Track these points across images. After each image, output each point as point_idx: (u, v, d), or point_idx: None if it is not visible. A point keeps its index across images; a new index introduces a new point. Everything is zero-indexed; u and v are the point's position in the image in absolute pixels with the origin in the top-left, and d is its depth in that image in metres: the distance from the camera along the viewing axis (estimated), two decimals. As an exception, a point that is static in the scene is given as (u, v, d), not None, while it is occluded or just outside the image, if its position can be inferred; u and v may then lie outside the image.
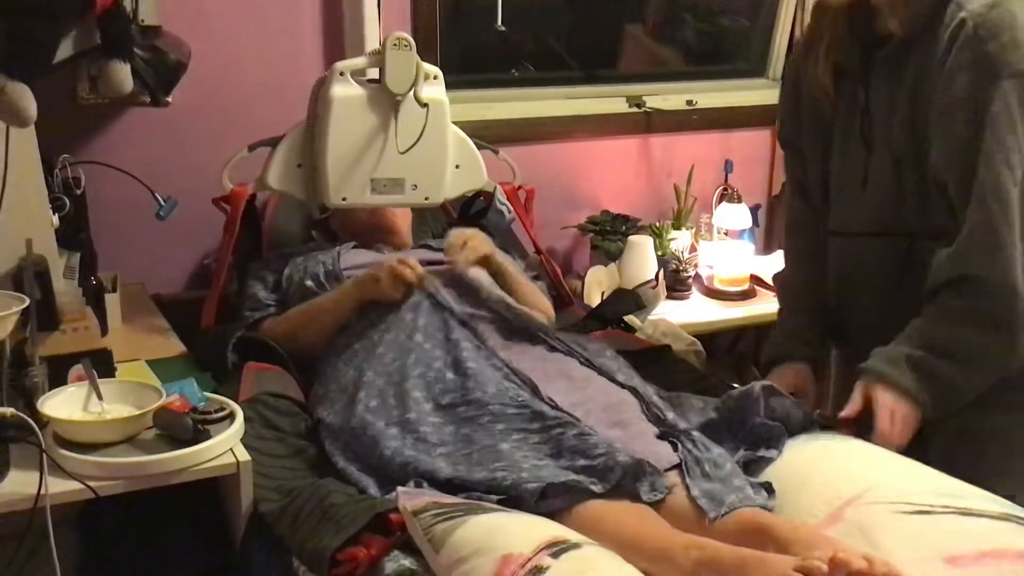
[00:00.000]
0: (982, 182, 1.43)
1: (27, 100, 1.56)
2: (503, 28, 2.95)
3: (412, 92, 2.06)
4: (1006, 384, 1.53)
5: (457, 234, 2.04)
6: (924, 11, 1.50)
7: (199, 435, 1.50)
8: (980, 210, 1.44)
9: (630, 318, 2.24)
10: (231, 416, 1.59)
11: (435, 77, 2.11)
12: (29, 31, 1.59)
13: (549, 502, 1.43)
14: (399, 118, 2.09)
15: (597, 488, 1.43)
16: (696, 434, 1.58)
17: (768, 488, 1.47)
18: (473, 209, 2.42)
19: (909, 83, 1.53)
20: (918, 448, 1.56)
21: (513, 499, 1.43)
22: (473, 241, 2.01)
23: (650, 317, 2.37)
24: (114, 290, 2.06)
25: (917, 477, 1.44)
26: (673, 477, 1.49)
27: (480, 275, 1.99)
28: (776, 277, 1.89)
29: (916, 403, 1.51)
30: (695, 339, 2.18)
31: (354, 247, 2.13)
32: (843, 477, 1.45)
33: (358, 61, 2.08)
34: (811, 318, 1.79)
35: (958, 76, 1.45)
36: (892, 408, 1.52)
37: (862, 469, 1.46)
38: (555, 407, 1.64)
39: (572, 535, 1.30)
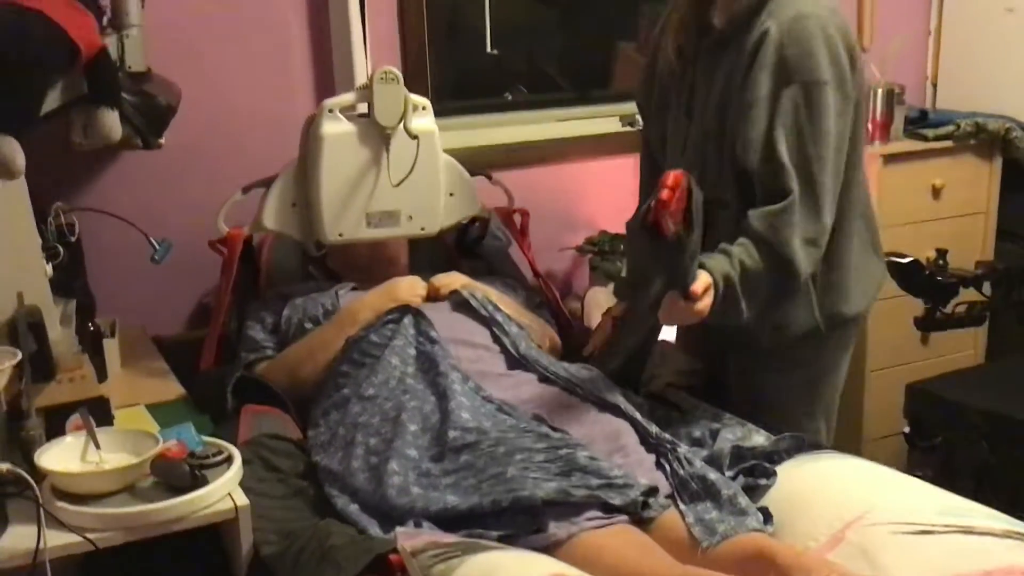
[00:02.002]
0: (778, 170, 1.66)
1: (15, 153, 1.56)
2: (495, 52, 2.96)
3: (402, 124, 2.07)
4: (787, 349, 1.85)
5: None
6: (742, 13, 1.72)
7: (197, 481, 1.50)
8: (784, 190, 1.66)
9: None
10: (229, 460, 1.58)
11: (424, 108, 2.12)
12: (15, 84, 1.59)
13: (557, 524, 1.42)
14: (390, 151, 2.09)
15: (616, 501, 1.45)
16: (681, 449, 1.59)
17: (766, 513, 1.46)
18: (469, 236, 2.42)
19: (723, 72, 1.76)
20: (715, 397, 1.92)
21: (521, 513, 1.42)
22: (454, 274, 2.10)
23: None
24: (112, 335, 2.07)
25: (917, 495, 1.43)
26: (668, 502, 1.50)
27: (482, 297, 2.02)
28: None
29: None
30: (695, 358, 2.16)
31: (352, 288, 2.13)
32: (843, 499, 1.44)
33: (346, 97, 2.09)
34: None
35: (760, 75, 1.67)
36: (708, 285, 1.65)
37: (861, 490, 1.45)
38: (557, 430, 1.65)
39: (571, 571, 1.29)
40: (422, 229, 2.18)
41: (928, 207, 2.91)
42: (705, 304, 1.60)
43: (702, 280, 1.59)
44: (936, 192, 2.91)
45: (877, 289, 1.94)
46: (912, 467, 2.47)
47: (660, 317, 1.66)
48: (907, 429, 2.50)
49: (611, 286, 2.63)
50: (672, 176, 1.48)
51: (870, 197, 1.90)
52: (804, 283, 1.77)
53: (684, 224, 1.49)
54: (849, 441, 3.02)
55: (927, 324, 2.45)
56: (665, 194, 1.46)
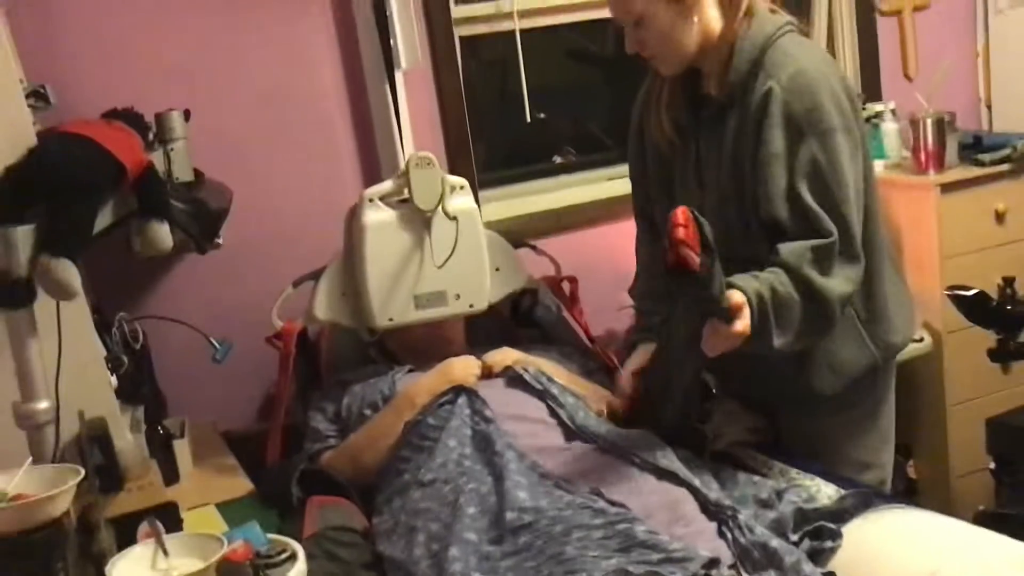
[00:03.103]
0: (812, 217, 1.69)
1: (71, 277, 1.62)
2: (541, 116, 2.99)
3: (440, 207, 2.11)
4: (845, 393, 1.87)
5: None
6: (739, 79, 1.75)
7: (260, 583, 1.52)
8: (825, 231, 1.69)
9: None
10: (293, 557, 1.60)
11: (462, 188, 2.16)
12: (68, 209, 1.67)
13: None
14: (432, 233, 2.13)
15: None
16: (742, 516, 1.56)
17: (832, 579, 1.43)
18: (522, 307, 2.44)
19: (729, 137, 1.78)
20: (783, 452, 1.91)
21: None
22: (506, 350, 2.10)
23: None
24: (182, 435, 2.12)
25: (986, 550, 1.38)
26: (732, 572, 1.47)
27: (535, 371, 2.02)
28: (631, 289, 2.16)
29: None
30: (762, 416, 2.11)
31: (410, 371, 2.15)
32: (910, 558, 1.41)
33: (385, 186, 2.14)
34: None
35: (772, 133, 1.70)
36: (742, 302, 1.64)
37: (929, 547, 1.41)
38: (615, 504, 1.63)
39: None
40: (471, 306, 2.21)
41: (992, 233, 2.84)
42: (744, 324, 1.59)
43: (735, 298, 1.59)
44: (999, 217, 2.84)
45: (913, 314, 1.96)
46: (1000, 504, 2.38)
47: (704, 348, 1.64)
48: (992, 465, 2.41)
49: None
50: (680, 213, 1.50)
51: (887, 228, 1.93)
52: (850, 322, 1.80)
53: (705, 252, 1.51)
54: (936, 479, 2.93)
55: (1001, 355, 2.37)
56: (681, 232, 1.48)
